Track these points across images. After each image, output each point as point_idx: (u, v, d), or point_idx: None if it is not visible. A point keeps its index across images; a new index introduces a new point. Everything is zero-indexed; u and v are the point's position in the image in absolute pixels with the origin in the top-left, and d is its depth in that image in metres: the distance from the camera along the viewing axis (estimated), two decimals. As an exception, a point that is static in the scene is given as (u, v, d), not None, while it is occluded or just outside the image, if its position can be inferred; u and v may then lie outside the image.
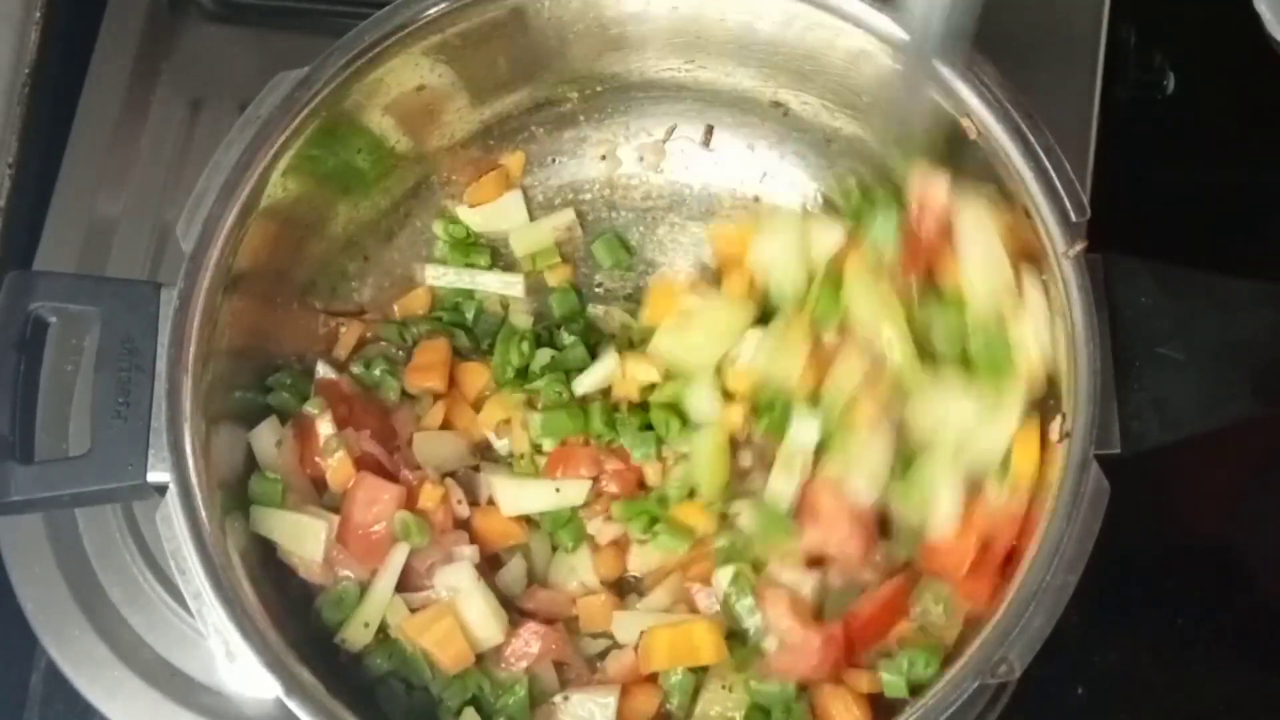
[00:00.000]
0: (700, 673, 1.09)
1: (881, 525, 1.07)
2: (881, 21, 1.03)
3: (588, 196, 1.26)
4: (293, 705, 0.94)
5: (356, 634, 1.07)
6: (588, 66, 1.18)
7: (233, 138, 1.02)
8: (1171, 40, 1.38)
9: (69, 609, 1.19)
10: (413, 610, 1.08)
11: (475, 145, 1.22)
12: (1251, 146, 1.37)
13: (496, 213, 1.24)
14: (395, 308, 1.21)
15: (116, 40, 1.32)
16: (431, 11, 1.06)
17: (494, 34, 1.11)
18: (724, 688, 1.08)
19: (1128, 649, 1.25)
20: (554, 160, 1.25)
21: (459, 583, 1.08)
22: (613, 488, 1.14)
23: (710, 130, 1.24)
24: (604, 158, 1.25)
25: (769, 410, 1.09)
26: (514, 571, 1.14)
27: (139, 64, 1.32)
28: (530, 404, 1.17)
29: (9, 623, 1.19)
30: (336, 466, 1.08)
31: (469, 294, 1.22)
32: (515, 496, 1.13)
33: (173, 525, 0.96)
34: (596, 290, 1.25)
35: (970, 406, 1.01)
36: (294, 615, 1.05)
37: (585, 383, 1.16)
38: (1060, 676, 1.24)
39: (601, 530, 1.14)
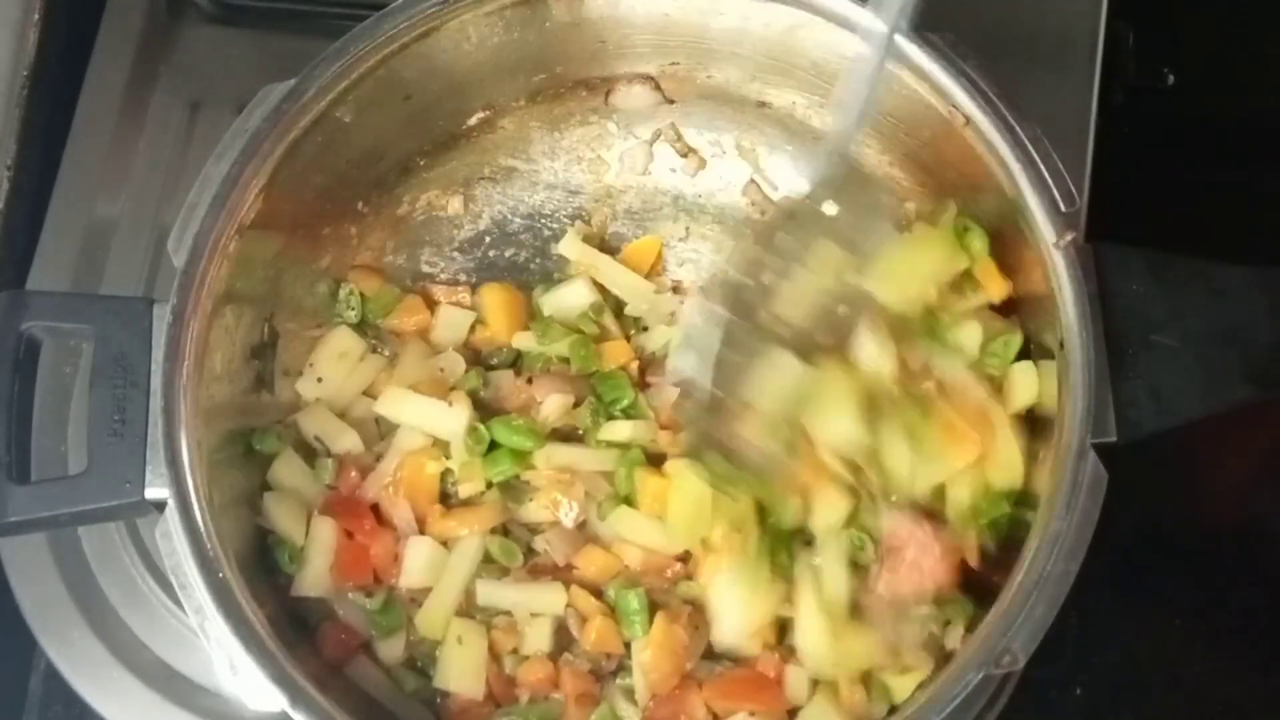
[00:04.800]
0: None
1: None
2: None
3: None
4: (298, 718, 0.94)
5: None
6: (574, 73, 1.19)
7: (222, 150, 1.02)
8: (1169, 38, 1.39)
9: (68, 610, 1.19)
10: None
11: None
12: (1246, 140, 1.38)
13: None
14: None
15: (115, 42, 1.33)
16: (420, 18, 1.06)
17: (480, 42, 1.12)
18: None
19: (1128, 649, 1.25)
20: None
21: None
22: None
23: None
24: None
25: None
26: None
27: (137, 66, 1.32)
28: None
29: (8, 624, 1.19)
30: None
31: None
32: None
33: (173, 540, 0.96)
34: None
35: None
36: (296, 625, 1.06)
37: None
38: (1060, 677, 1.24)
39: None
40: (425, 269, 1.24)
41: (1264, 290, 0.99)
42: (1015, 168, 1.00)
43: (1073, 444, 0.95)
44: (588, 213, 1.26)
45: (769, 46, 1.12)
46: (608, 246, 1.25)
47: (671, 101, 1.23)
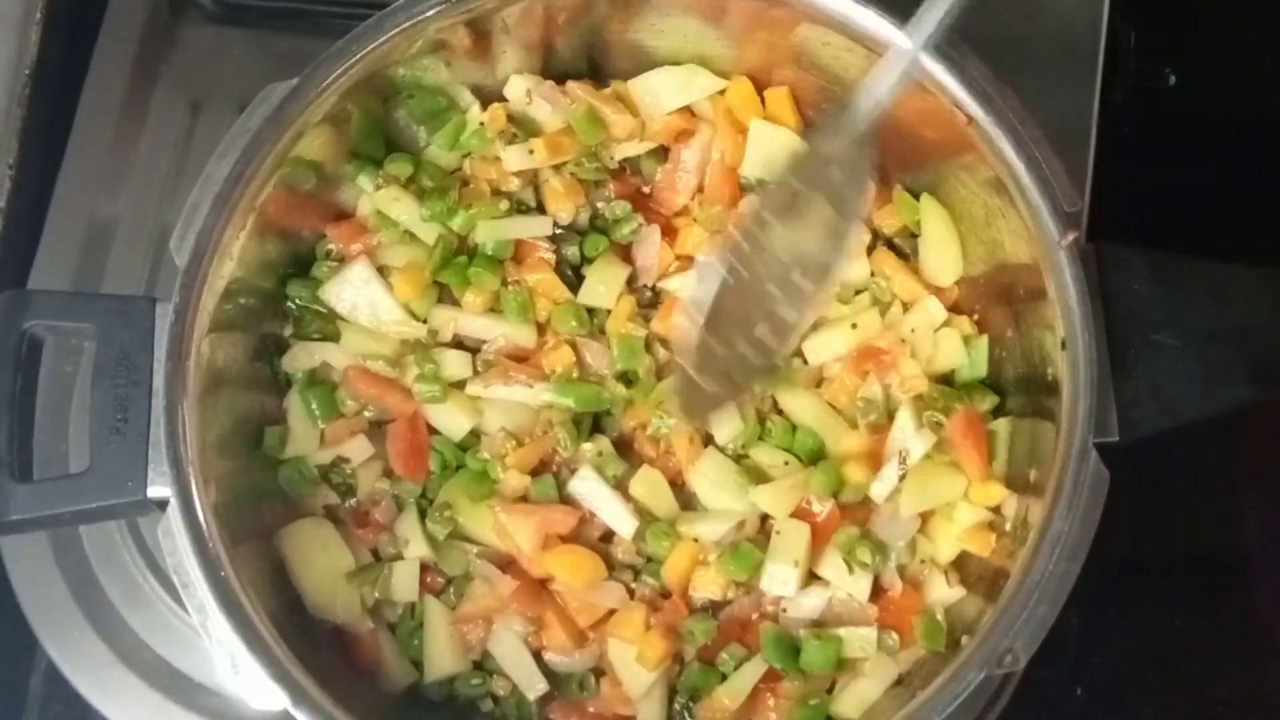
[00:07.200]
0: None
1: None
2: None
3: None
4: (300, 717, 0.94)
5: None
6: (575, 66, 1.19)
7: (224, 149, 1.02)
8: (1169, 38, 1.39)
9: (69, 609, 1.19)
10: None
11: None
12: (1246, 140, 1.38)
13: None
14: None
15: (116, 42, 1.33)
16: (422, 17, 1.06)
17: (484, 36, 1.12)
18: None
19: (1128, 649, 1.26)
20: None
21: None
22: None
23: None
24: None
25: None
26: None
27: (139, 65, 1.32)
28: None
29: (9, 623, 1.19)
30: None
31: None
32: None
33: (174, 539, 0.96)
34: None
35: None
36: (298, 624, 1.05)
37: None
38: (1060, 677, 1.24)
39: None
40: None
41: (1265, 290, 1.00)
42: (1018, 168, 1.00)
43: (1075, 444, 0.96)
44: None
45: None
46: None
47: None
